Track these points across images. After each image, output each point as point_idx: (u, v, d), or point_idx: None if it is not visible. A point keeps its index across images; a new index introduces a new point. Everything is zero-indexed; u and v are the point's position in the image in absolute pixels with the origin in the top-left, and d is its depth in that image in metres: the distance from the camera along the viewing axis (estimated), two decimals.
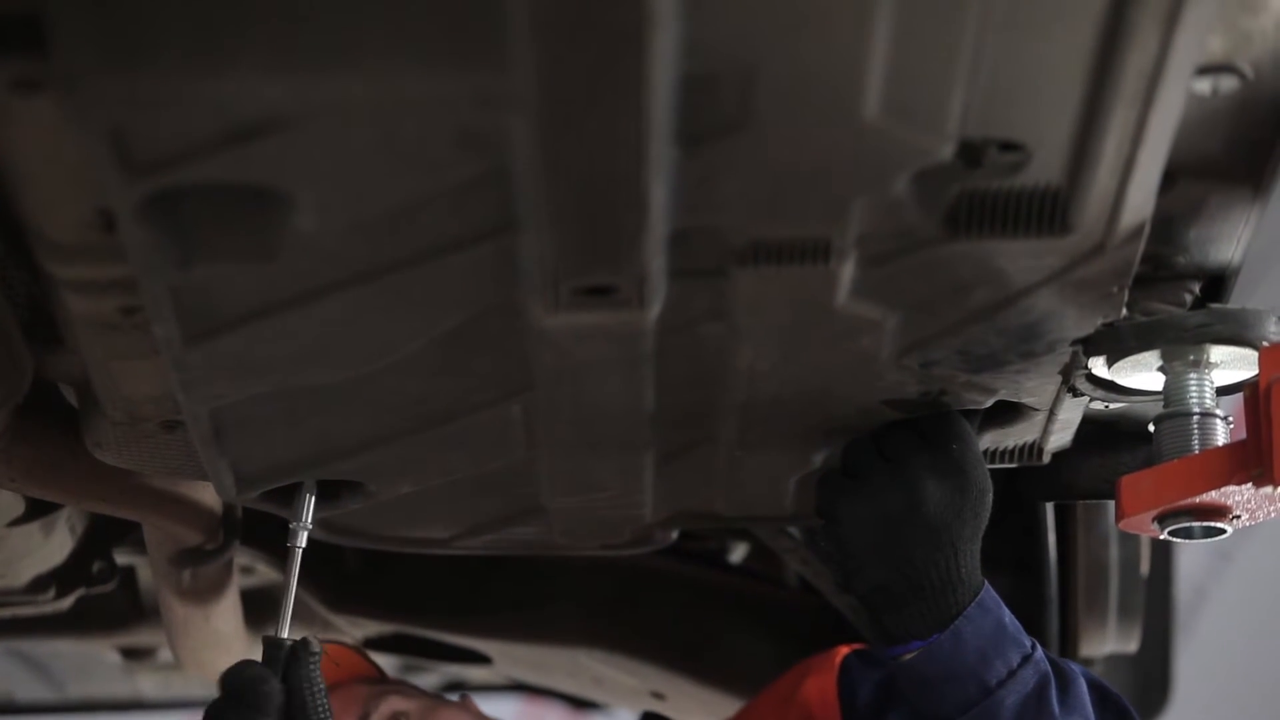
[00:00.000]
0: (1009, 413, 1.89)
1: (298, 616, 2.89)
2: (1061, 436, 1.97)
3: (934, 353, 1.73)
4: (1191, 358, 1.73)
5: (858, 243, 1.53)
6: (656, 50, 1.25)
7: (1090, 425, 1.96)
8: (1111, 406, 1.90)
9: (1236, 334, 1.71)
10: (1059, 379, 1.80)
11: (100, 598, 2.65)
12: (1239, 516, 1.70)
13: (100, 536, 2.52)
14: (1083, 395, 1.84)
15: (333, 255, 1.47)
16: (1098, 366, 1.76)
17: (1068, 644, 2.56)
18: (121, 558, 2.61)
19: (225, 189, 1.37)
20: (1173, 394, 1.74)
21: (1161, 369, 1.75)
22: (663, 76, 1.28)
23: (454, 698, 2.35)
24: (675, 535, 2.21)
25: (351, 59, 1.25)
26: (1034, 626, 1.89)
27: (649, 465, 1.93)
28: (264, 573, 2.78)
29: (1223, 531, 1.71)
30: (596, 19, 1.23)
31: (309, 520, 1.93)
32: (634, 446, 1.88)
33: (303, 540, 1.94)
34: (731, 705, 2.76)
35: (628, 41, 1.24)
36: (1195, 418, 1.73)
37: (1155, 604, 2.79)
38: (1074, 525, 2.52)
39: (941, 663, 1.88)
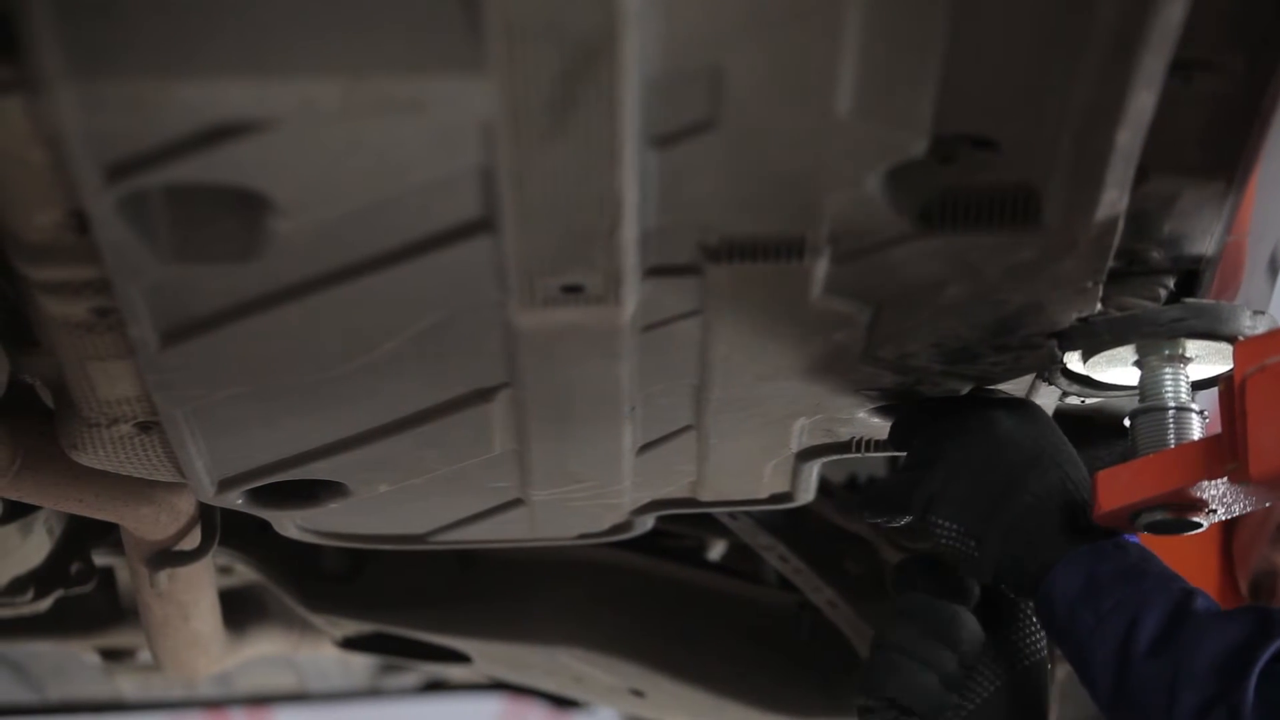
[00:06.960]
0: None
1: (277, 617, 2.92)
2: None
3: (908, 346, 1.74)
4: (1167, 352, 1.73)
5: (831, 239, 1.53)
6: (628, 50, 1.25)
7: (1065, 420, 1.96)
8: (1087, 401, 1.90)
9: (1212, 328, 1.71)
10: (1034, 373, 1.81)
11: (79, 599, 2.64)
12: (1214, 511, 1.70)
13: (78, 538, 2.51)
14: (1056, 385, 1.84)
15: (308, 255, 1.47)
16: (1073, 361, 1.77)
17: None
18: (100, 559, 2.60)
19: (199, 189, 1.37)
20: (1148, 388, 1.75)
21: (1137, 364, 1.75)
22: (634, 76, 1.28)
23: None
24: (652, 522, 2.21)
25: (321, 62, 1.25)
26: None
27: (627, 456, 1.93)
28: (242, 573, 2.78)
29: (1198, 526, 1.71)
30: (568, 20, 1.23)
31: None
32: (611, 439, 1.88)
33: None
34: (711, 703, 2.76)
35: (599, 42, 1.24)
36: (1171, 412, 1.73)
37: None
38: None
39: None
